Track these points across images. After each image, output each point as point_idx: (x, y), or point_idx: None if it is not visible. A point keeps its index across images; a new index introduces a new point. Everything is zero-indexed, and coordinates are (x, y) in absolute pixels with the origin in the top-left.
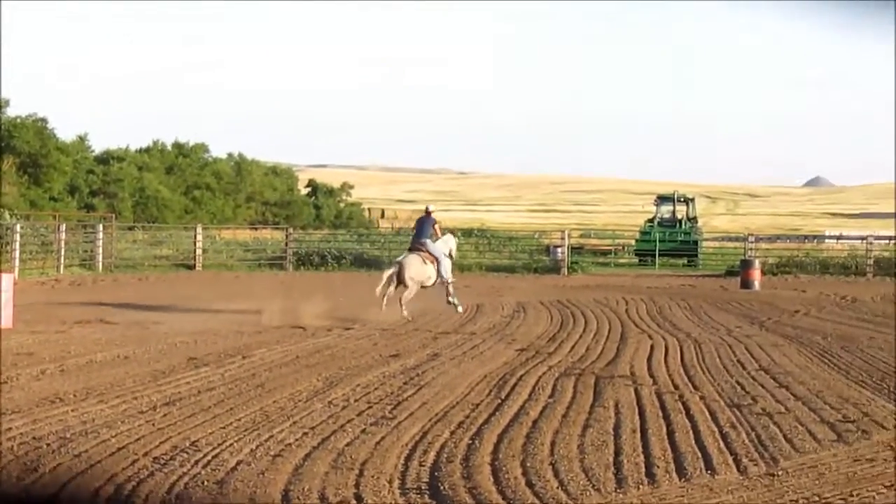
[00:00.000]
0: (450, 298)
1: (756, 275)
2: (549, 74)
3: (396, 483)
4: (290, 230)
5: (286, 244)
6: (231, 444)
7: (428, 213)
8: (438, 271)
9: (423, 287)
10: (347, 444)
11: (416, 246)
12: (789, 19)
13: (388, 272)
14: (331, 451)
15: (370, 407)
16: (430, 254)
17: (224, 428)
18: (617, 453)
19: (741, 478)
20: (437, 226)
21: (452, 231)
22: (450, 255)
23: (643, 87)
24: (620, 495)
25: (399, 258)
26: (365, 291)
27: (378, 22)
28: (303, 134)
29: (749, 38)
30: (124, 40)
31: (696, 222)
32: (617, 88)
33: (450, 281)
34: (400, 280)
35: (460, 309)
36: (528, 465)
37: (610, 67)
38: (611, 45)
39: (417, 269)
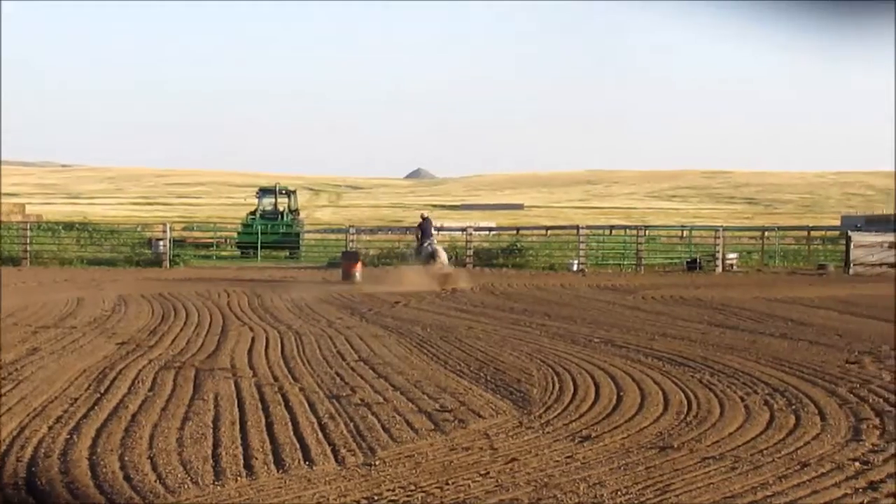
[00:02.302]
0: None
1: (357, 266)
2: (150, 67)
3: None
4: None
5: None
6: None
7: (426, 218)
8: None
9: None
10: None
11: (429, 240)
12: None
13: (434, 259)
14: None
15: None
16: None
17: None
18: (216, 446)
19: (339, 468)
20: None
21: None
22: None
23: (241, 80)
24: (218, 487)
25: (431, 248)
26: None
27: None
28: None
29: (358, 30)
30: None
31: (298, 214)
32: (218, 81)
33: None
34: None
35: None
36: (127, 459)
37: (211, 61)
38: (218, 39)
39: (442, 253)
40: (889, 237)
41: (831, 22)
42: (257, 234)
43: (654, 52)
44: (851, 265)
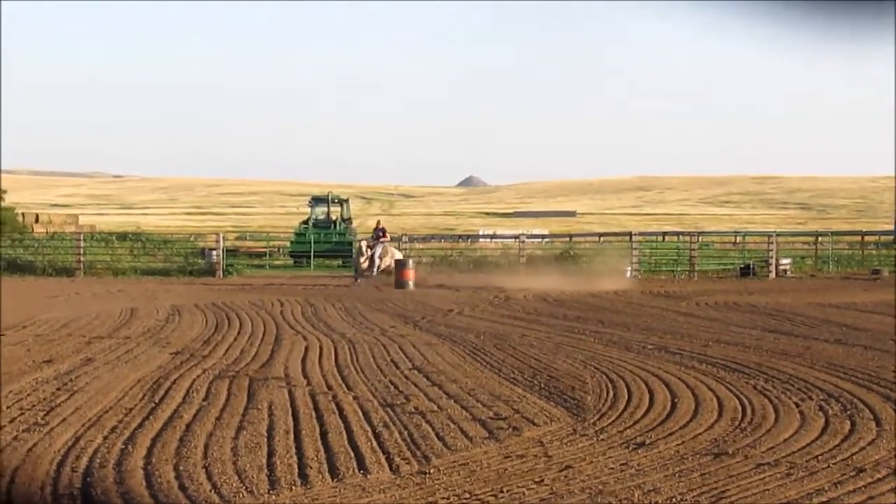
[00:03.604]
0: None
1: (410, 274)
2: (201, 78)
3: (48, 489)
4: None
5: None
6: None
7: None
8: (382, 257)
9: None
10: None
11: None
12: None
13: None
14: None
15: (22, 413)
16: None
17: None
18: (270, 455)
19: (393, 476)
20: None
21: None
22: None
23: (293, 89)
24: (273, 496)
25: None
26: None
27: (21, 19)
28: None
29: (409, 37)
30: None
31: (351, 223)
32: (267, 90)
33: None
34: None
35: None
36: (182, 468)
37: (263, 71)
38: (268, 49)
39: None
40: None
41: (881, 24)
42: (310, 242)
43: (704, 57)
44: None
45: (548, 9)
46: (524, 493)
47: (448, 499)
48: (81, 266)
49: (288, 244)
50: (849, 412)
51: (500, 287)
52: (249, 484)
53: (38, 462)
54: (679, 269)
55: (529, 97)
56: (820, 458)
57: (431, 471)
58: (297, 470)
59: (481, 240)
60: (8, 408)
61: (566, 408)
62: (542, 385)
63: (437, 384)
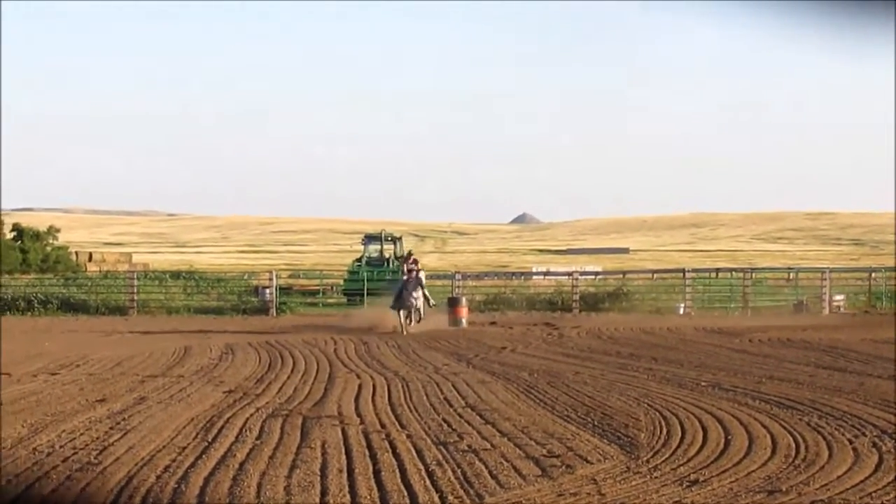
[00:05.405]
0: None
1: (463, 312)
2: (254, 116)
3: None
4: None
5: None
6: None
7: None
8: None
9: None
10: (52, 492)
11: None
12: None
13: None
14: (34, 499)
15: (76, 453)
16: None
17: None
18: (323, 493)
19: None
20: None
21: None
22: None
23: (347, 126)
24: None
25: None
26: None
27: (49, 57)
28: (7, 177)
29: (462, 75)
30: None
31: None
32: (317, 129)
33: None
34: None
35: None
36: None
37: (305, 108)
38: (310, 90)
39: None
40: None
41: None
42: (363, 280)
43: (757, 93)
44: None
45: (596, 47)
46: None
47: None
48: (135, 305)
49: (341, 282)
50: None
51: (554, 324)
52: None
53: (91, 501)
54: (732, 305)
55: (582, 134)
56: (873, 495)
57: None
58: None
59: (534, 277)
60: (61, 447)
61: (619, 445)
62: (596, 423)
63: (491, 422)
